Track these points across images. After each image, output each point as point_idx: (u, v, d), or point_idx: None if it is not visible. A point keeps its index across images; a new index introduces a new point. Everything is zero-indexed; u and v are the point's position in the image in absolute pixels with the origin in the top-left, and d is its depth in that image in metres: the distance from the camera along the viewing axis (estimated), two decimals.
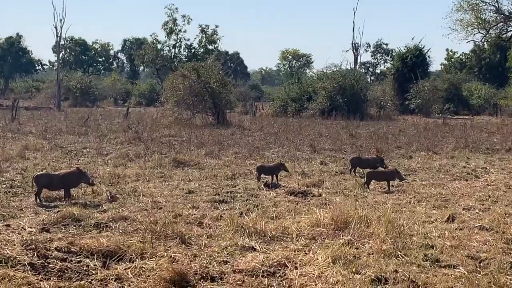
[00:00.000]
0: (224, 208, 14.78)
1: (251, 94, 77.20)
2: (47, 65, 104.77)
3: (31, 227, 12.18)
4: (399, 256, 10.83)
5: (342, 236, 12.07)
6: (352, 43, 78.73)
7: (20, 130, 34.49)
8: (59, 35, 70.18)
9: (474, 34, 47.97)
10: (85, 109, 61.71)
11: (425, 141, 32.45)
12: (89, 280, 9.47)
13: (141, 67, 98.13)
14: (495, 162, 24.78)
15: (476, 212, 14.86)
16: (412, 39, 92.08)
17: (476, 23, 46.47)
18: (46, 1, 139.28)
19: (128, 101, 70.00)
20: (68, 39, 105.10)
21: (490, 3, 46.07)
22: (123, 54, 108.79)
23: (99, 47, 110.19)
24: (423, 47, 70.35)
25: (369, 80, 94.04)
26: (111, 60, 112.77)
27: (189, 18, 76.02)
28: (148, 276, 9.57)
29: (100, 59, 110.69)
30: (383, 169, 19.68)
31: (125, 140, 29.85)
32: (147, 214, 13.79)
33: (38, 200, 14.63)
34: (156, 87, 70.56)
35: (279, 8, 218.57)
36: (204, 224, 13.07)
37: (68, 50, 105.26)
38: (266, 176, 18.84)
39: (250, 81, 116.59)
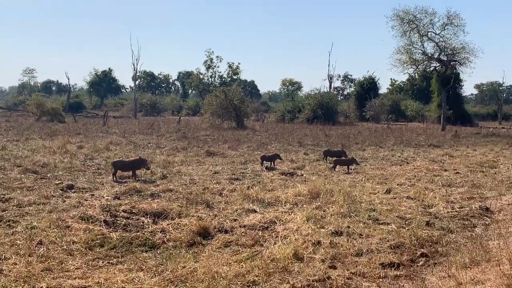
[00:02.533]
0: (237, 184, 14.54)
1: (262, 108, 76.76)
2: (128, 89, 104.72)
3: (108, 196, 12.00)
4: (352, 216, 10.60)
5: (314, 203, 11.82)
6: (328, 74, 78.34)
7: (108, 131, 34.29)
8: (135, 69, 70.25)
9: (408, 68, 47.25)
10: (152, 118, 61.53)
11: (374, 139, 32.08)
12: (143, 232, 9.29)
13: (190, 90, 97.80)
14: (420, 153, 24.38)
15: (406, 187, 14.58)
16: (367, 71, 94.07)
17: (409, 61, 45.84)
18: (127, 47, 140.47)
19: (180, 113, 69.85)
20: (142, 72, 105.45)
21: (419, 48, 45.50)
22: (178, 81, 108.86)
23: (162, 76, 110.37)
24: (375, 77, 71.36)
25: (339, 98, 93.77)
26: (170, 86, 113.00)
27: (220, 57, 76.09)
28: (183, 229, 9.38)
29: (163, 85, 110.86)
30: (345, 158, 19.36)
31: (176, 138, 29.63)
32: (186, 187, 13.59)
33: (114, 178, 14.45)
34: (199, 103, 70.16)
35: (281, 48, 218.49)
36: (223, 194, 12.84)
37: (142, 79, 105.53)
38: (267, 162, 18.58)
39: (261, 99, 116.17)
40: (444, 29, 45.51)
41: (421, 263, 7.56)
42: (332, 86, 78.53)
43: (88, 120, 50.51)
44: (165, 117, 65.49)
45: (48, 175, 14.67)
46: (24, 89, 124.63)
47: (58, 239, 8.46)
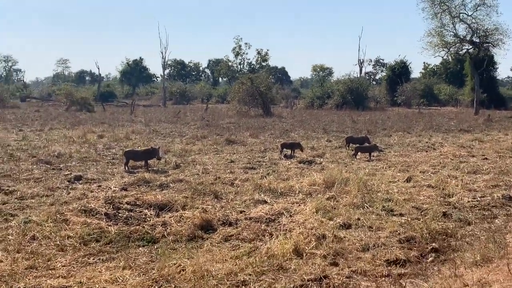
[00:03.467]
0: (252, 173, 14.08)
1: (291, 95, 75.79)
2: (159, 77, 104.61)
3: (115, 187, 11.67)
4: (365, 207, 10.04)
5: (329, 192, 11.28)
6: (358, 59, 77.11)
7: (134, 120, 34.22)
8: (163, 57, 70.20)
9: (439, 51, 45.82)
10: (181, 106, 61.51)
11: (402, 125, 31.16)
12: (144, 225, 8.91)
13: (220, 78, 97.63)
14: (449, 139, 23.51)
15: (428, 174, 13.90)
16: (399, 55, 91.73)
17: (440, 44, 44.47)
18: (156, 36, 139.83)
19: (209, 101, 69.68)
20: (172, 60, 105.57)
21: (450, 30, 44.05)
22: (208, 69, 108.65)
23: (192, 65, 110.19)
24: (406, 61, 69.19)
25: (372, 83, 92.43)
26: (200, 74, 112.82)
27: (249, 44, 75.73)
28: (185, 222, 8.96)
29: (193, 73, 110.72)
30: (368, 144, 18.67)
31: (199, 126, 29.29)
32: (197, 177, 13.19)
33: (126, 168, 14.15)
34: (228, 91, 69.84)
35: (312, 34, 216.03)
36: (235, 184, 12.40)
37: (172, 67, 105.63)
38: (287, 150, 18.03)
39: (292, 86, 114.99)
40: (476, 10, 44.04)
41: (430, 259, 6.97)
42: (363, 71, 77.15)
43: (117, 109, 50.66)
44: (194, 105, 65.36)
45: (61, 166, 14.46)
46: (59, 79, 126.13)
47: (52, 233, 8.14)
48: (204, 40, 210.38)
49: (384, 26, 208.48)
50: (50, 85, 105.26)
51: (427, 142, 21.99)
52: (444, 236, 7.94)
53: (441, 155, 17.97)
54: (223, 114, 42.23)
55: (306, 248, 7.36)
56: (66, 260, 7.07)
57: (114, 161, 15.61)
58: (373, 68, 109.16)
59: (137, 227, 8.77)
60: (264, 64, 75.12)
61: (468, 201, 10.42)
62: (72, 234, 8.15)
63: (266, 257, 6.97)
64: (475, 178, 13.17)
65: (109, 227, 8.68)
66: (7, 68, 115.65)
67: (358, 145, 18.75)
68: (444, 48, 45.78)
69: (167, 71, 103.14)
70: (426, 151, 19.11)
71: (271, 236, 8.10)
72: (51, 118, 34.38)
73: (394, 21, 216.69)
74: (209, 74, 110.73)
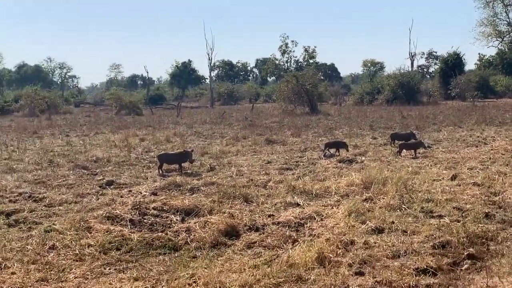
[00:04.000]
0: (287, 174, 13.63)
1: (341, 91, 74.68)
2: (207, 79, 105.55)
3: (145, 192, 11.47)
4: (403, 208, 9.43)
5: (366, 193, 10.72)
6: (409, 52, 75.22)
7: (178, 122, 34.28)
8: (210, 58, 70.68)
9: (493, 41, 44.09)
10: (228, 107, 61.57)
11: (454, 119, 29.95)
12: (168, 231, 8.62)
13: (268, 77, 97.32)
14: (502, 132, 22.33)
15: (476, 171, 13.08)
16: (452, 47, 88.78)
17: (493, 34, 42.78)
18: (203, 38, 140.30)
19: (256, 100, 69.53)
20: (220, 61, 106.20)
21: (503, 19, 42.29)
22: (256, 69, 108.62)
23: (240, 65, 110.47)
24: (460, 53, 66.76)
25: (426, 77, 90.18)
26: (248, 73, 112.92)
27: (296, 42, 75.12)
28: (209, 228, 8.62)
29: (241, 73, 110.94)
30: (413, 140, 17.84)
31: (242, 126, 29.00)
32: (230, 180, 12.84)
33: (160, 171, 13.97)
34: (275, 90, 69.52)
35: (361, 29, 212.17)
36: (268, 186, 11.98)
37: (220, 68, 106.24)
38: (331, 150, 17.40)
39: (343, 82, 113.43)
40: None
41: (465, 266, 6.37)
42: (415, 64, 75.20)
43: (165, 112, 51.12)
44: (241, 105, 65.26)
45: (97, 171, 14.42)
46: (112, 84, 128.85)
47: (73, 242, 7.95)
48: (251, 39, 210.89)
49: (436, 17, 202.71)
50: (104, 90, 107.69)
51: (478, 137, 20.93)
52: (483, 240, 7.28)
53: (491, 150, 17.01)
54: (268, 113, 41.87)
55: (331, 256, 6.87)
56: (81, 271, 6.83)
57: (150, 165, 15.47)
58: (426, 61, 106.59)
59: (160, 234, 8.48)
60: (311, 61, 74.35)
61: None
62: (93, 243, 7.92)
63: (286, 267, 6.53)
64: None
65: (132, 234, 8.42)
66: (62, 75, 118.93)
67: (403, 141, 18.02)
68: (498, 38, 44.03)
69: (215, 72, 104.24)
70: (477, 146, 18.16)
71: (295, 243, 7.65)
72: (99, 123, 34.90)
73: (447, 11, 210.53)
74: (257, 73, 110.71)
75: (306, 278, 6.18)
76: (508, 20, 42.79)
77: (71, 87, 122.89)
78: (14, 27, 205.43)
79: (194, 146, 19.55)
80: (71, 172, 14.16)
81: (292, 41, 74.13)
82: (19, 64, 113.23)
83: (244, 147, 19.22)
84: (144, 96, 70.09)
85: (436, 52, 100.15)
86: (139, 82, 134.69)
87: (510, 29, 43.40)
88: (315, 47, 77.73)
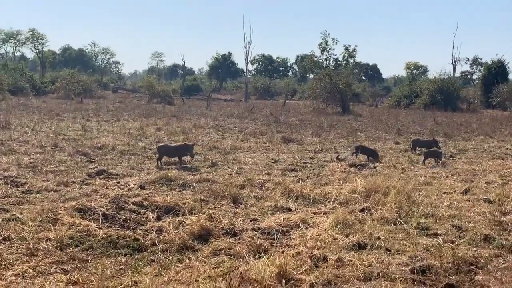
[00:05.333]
0: (290, 175, 12.90)
1: (380, 93, 73.11)
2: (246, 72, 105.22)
3: (134, 184, 10.94)
4: (398, 222, 8.62)
5: (364, 203, 9.94)
6: (452, 57, 72.96)
7: (206, 114, 33.78)
8: (247, 52, 70.05)
9: None
10: (263, 102, 60.88)
11: (488, 128, 28.52)
12: (138, 230, 8.06)
13: (308, 74, 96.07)
14: None
15: (494, 186, 12.08)
16: (496, 54, 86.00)
17: None
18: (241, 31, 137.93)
19: (291, 96, 68.69)
20: (260, 55, 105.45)
21: None
22: (296, 65, 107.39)
23: (280, 60, 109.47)
24: (504, 60, 64.30)
25: (471, 83, 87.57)
26: (288, 69, 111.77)
27: (336, 40, 73.60)
28: (183, 229, 8.02)
29: (281, 68, 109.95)
30: (436, 148, 16.78)
31: (266, 122, 28.27)
32: (228, 177, 12.20)
33: (158, 163, 13.44)
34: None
35: (406, 30, 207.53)
36: (264, 187, 11.29)
37: (260, 63, 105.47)
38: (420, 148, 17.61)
39: (384, 84, 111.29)
40: None
41: None
42: (458, 70, 72.99)
43: (197, 103, 50.77)
44: (276, 101, 64.50)
45: (96, 159, 14.00)
46: (153, 72, 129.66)
47: (31, 234, 7.44)
48: (293, 35, 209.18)
49: (483, 22, 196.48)
50: (143, 78, 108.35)
51: (507, 149, 19.71)
52: (471, 268, 6.44)
53: None
54: (299, 110, 40.98)
55: (295, 272, 6.16)
56: (24, 268, 6.31)
57: (153, 156, 14.95)
58: (470, 67, 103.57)
59: (128, 232, 7.92)
60: (350, 60, 73.10)
61: None
62: (52, 237, 7.40)
63: (239, 282, 5.85)
64: None
65: (98, 230, 7.87)
66: (104, 60, 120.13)
67: (425, 149, 17.08)
68: None
69: (254, 66, 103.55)
70: (503, 159, 17.01)
71: (266, 253, 6.96)
72: (127, 110, 34.68)
73: (493, 16, 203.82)
74: (297, 70, 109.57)
75: None
76: None
77: (114, 72, 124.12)
78: (61, 9, 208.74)
79: (207, 140, 19.04)
80: (69, 158, 13.76)
81: (333, 39, 72.93)
82: (64, 47, 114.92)
83: (257, 144, 18.55)
84: (180, 85, 69.94)
85: (481, 59, 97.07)
86: (179, 71, 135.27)
87: None
88: (355, 46, 76.27)
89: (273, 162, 14.71)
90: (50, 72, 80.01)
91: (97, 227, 7.96)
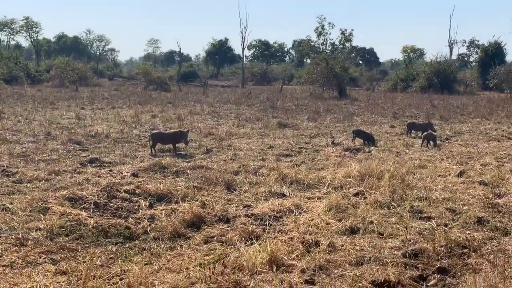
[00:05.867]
0: (286, 160, 12.84)
1: (377, 76, 72.80)
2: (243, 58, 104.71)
3: (127, 172, 10.86)
4: (391, 206, 8.56)
5: (358, 187, 9.88)
6: (448, 40, 72.77)
7: (202, 101, 33.60)
8: (243, 37, 69.69)
9: None
10: (260, 87, 60.63)
11: (484, 110, 28.42)
12: (130, 218, 8.00)
13: (305, 59, 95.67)
14: None
15: (489, 168, 12.03)
16: (493, 36, 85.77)
17: None
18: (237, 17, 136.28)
19: (288, 82, 68.36)
20: (257, 41, 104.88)
21: None
22: (293, 50, 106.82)
23: (277, 45, 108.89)
24: (501, 42, 64.15)
25: (468, 66, 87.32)
26: (285, 54, 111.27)
27: (332, 24, 73.40)
28: (175, 217, 7.96)
29: (277, 54, 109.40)
30: (431, 131, 16.64)
31: (262, 108, 28.13)
32: (223, 164, 12.14)
33: (152, 151, 13.35)
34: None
35: (403, 14, 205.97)
36: (258, 173, 11.22)
37: (257, 48, 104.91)
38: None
39: (381, 67, 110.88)
40: None
41: (431, 282, 5.52)
42: (455, 52, 72.67)
43: (194, 89, 50.52)
44: (273, 86, 64.24)
45: (89, 147, 13.92)
46: (149, 59, 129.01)
47: (21, 224, 7.38)
48: (289, 20, 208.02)
49: (479, 4, 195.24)
50: (139, 65, 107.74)
51: (503, 131, 19.66)
52: (464, 251, 6.39)
53: None
54: (296, 95, 40.80)
55: (286, 258, 6.12)
56: (12, 258, 6.25)
57: (148, 143, 14.86)
58: (467, 49, 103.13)
59: (119, 220, 7.86)
60: (347, 44, 72.81)
61: None
62: (42, 226, 7.34)
63: (229, 269, 5.79)
64: None
65: (89, 219, 7.81)
66: (100, 48, 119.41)
67: (420, 132, 17.04)
68: None
69: (251, 51, 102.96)
70: (499, 141, 16.98)
71: (258, 240, 6.91)
72: (123, 97, 34.48)
73: None
74: (294, 55, 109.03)
75: (244, 285, 5.43)
76: None
77: (109, 60, 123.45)
78: None
79: (202, 127, 18.94)
80: (61, 146, 13.66)
81: (329, 23, 72.69)
82: (59, 34, 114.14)
83: (253, 130, 18.46)
84: (176, 72, 69.66)
85: (478, 41, 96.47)
86: (176, 58, 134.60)
87: None
88: (352, 30, 76.01)
89: (268, 148, 14.64)
90: (45, 60, 79.69)
91: (88, 216, 7.91)
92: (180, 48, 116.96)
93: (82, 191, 8.97)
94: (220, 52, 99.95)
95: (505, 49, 64.63)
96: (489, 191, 9.60)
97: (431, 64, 54.30)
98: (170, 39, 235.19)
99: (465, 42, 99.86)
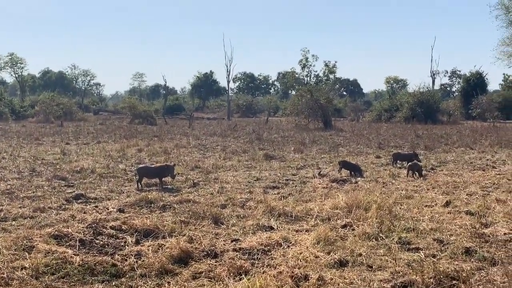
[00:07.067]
0: (273, 193, 12.83)
1: (361, 107, 73.55)
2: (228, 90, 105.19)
3: (113, 208, 10.77)
4: (379, 238, 8.56)
5: (346, 219, 9.88)
6: (431, 70, 73.69)
7: (188, 133, 33.64)
8: (228, 70, 70.23)
9: None
10: (246, 119, 60.96)
11: (468, 139, 28.74)
12: (117, 255, 7.89)
13: (290, 91, 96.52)
14: None
15: (475, 198, 12.12)
16: (474, 66, 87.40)
17: None
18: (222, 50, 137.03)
19: (272, 113, 68.73)
20: (242, 73, 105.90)
21: None
22: (278, 82, 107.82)
23: (262, 77, 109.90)
24: (482, 72, 65.20)
25: (451, 96, 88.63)
26: (270, 86, 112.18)
27: (316, 56, 74.17)
28: (162, 253, 7.87)
29: (262, 86, 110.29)
30: (417, 161, 16.76)
31: (248, 140, 28.21)
32: (210, 197, 12.09)
33: (138, 186, 13.28)
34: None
35: (385, 45, 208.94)
36: (246, 206, 11.19)
37: (242, 80, 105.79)
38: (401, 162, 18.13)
39: (365, 98, 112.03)
40: None
41: None
42: (437, 82, 73.60)
43: (180, 122, 50.64)
44: (259, 118, 64.55)
45: (74, 183, 13.80)
46: (134, 93, 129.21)
47: (5, 264, 7.25)
48: (274, 53, 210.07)
49: (460, 35, 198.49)
50: (124, 99, 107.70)
51: (488, 160, 19.85)
52: (452, 282, 6.38)
53: (498, 174, 15.98)
54: (282, 127, 41.01)
55: None
56: None
57: (134, 178, 14.77)
58: (449, 79, 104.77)
59: (106, 257, 7.75)
60: (331, 76, 73.67)
61: (504, 233, 8.72)
62: (27, 265, 7.22)
63: None
64: None
65: (75, 256, 7.69)
66: (85, 82, 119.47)
67: (406, 162, 17.16)
68: None
69: (236, 84, 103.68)
70: (483, 170, 17.10)
71: (245, 275, 6.85)
72: (108, 131, 34.42)
73: (471, 30, 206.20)
74: (278, 86, 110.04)
75: None
76: None
77: (95, 94, 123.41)
78: (41, 33, 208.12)
79: (189, 160, 18.91)
80: (47, 183, 13.54)
81: (313, 55, 73.45)
82: (44, 70, 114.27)
83: (240, 162, 18.46)
84: (162, 105, 69.84)
85: (460, 71, 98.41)
86: (161, 91, 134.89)
87: None
88: (335, 62, 76.83)
89: (255, 180, 14.63)
90: (30, 96, 79.57)
91: (73, 254, 7.79)
92: (165, 82, 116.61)
93: (68, 228, 8.86)
94: (205, 85, 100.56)
95: (486, 78, 65.98)
96: (476, 221, 9.64)
97: (414, 95, 55.08)
98: (155, 72, 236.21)
99: (447, 72, 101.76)
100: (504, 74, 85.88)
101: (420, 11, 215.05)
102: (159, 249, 8.12)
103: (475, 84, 63.41)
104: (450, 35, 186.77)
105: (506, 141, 27.60)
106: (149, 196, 11.50)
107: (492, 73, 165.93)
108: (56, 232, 8.56)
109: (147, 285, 6.71)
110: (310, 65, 73.13)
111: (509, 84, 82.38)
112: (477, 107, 57.44)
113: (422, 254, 7.59)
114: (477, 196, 12.32)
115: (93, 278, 7.01)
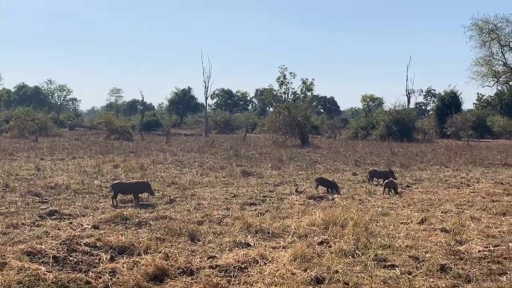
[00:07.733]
0: (250, 209, 12.80)
1: (338, 125, 74.05)
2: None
3: (87, 224, 10.63)
4: (356, 255, 8.58)
5: (322, 236, 9.89)
6: (406, 89, 74.57)
7: (165, 150, 33.47)
8: (206, 86, 70.29)
9: (488, 81, 43.68)
10: (224, 135, 60.95)
11: (443, 158, 29.13)
12: (91, 272, 7.77)
13: (268, 108, 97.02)
14: (489, 174, 21.51)
15: (450, 215, 12.24)
16: (449, 85, 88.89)
17: (489, 74, 42.34)
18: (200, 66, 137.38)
19: (250, 130, 68.87)
20: (220, 90, 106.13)
21: (500, 59, 41.91)
22: (256, 99, 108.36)
23: (240, 94, 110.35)
24: (457, 91, 66.13)
25: (426, 114, 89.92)
26: (247, 103, 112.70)
27: (294, 74, 74.44)
28: (137, 270, 7.78)
29: (240, 102, 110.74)
30: (393, 178, 16.91)
31: (226, 156, 28.19)
32: (187, 214, 12.02)
33: (114, 202, 13.14)
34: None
35: (361, 64, 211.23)
36: (223, 223, 11.14)
37: (220, 97, 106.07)
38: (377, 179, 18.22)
39: (342, 116, 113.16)
40: None
41: None
42: (412, 101, 74.50)
43: (157, 138, 50.43)
44: (237, 135, 64.61)
45: (48, 199, 13.61)
46: (111, 108, 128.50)
47: None
48: (253, 70, 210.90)
49: (435, 55, 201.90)
50: (101, 114, 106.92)
51: (462, 178, 20.10)
52: None
53: (472, 192, 16.17)
54: (258, 144, 41.09)
55: None
56: None
57: (109, 194, 14.63)
58: (424, 98, 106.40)
59: (79, 274, 7.63)
60: (308, 93, 74.10)
61: (479, 251, 8.81)
62: None
63: None
64: (501, 221, 11.45)
65: (48, 273, 7.56)
66: (61, 97, 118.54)
67: (382, 180, 17.32)
68: (493, 78, 43.53)
69: (214, 100, 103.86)
70: (458, 188, 17.29)
71: None
72: (84, 147, 34.11)
73: (446, 50, 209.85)
74: (256, 103, 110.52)
75: None
76: (504, 60, 42.41)
77: (71, 109, 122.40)
78: (16, 47, 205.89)
79: (165, 176, 18.81)
80: (20, 199, 13.33)
81: (291, 73, 73.73)
82: (19, 85, 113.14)
83: (217, 178, 18.40)
84: (139, 121, 69.53)
85: (434, 90, 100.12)
86: (139, 107, 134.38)
87: (505, 69, 42.77)
88: (313, 79, 77.22)
89: (232, 197, 14.59)
90: (5, 111, 78.51)
91: (46, 271, 7.65)
92: (143, 97, 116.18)
93: (41, 244, 8.72)
94: (183, 101, 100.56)
95: (460, 98, 66.89)
96: (451, 238, 9.74)
97: (390, 113, 55.84)
98: (133, 88, 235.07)
99: (422, 91, 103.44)
100: (478, 93, 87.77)
101: (395, 31, 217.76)
102: (134, 266, 8.02)
103: (449, 103, 64.35)
104: (425, 55, 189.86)
105: (480, 160, 28.01)
106: (124, 213, 11.38)
107: (466, 92, 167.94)
108: (29, 249, 8.42)
109: None
110: (288, 83, 73.48)
111: (482, 103, 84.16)
112: (451, 126, 58.33)
113: (398, 271, 7.63)
114: (452, 214, 12.45)
115: None
